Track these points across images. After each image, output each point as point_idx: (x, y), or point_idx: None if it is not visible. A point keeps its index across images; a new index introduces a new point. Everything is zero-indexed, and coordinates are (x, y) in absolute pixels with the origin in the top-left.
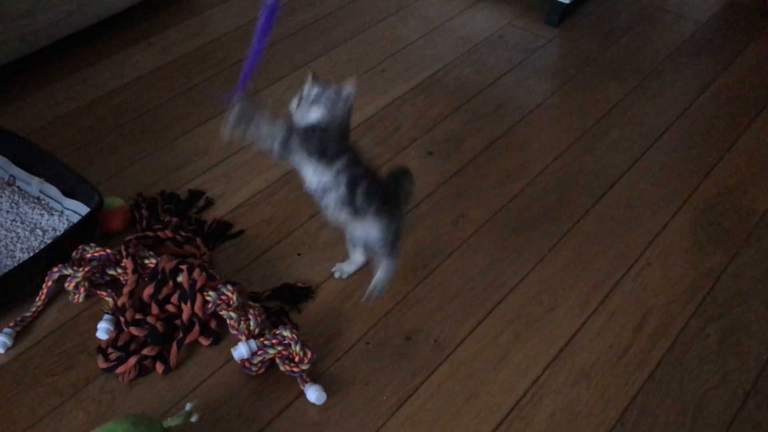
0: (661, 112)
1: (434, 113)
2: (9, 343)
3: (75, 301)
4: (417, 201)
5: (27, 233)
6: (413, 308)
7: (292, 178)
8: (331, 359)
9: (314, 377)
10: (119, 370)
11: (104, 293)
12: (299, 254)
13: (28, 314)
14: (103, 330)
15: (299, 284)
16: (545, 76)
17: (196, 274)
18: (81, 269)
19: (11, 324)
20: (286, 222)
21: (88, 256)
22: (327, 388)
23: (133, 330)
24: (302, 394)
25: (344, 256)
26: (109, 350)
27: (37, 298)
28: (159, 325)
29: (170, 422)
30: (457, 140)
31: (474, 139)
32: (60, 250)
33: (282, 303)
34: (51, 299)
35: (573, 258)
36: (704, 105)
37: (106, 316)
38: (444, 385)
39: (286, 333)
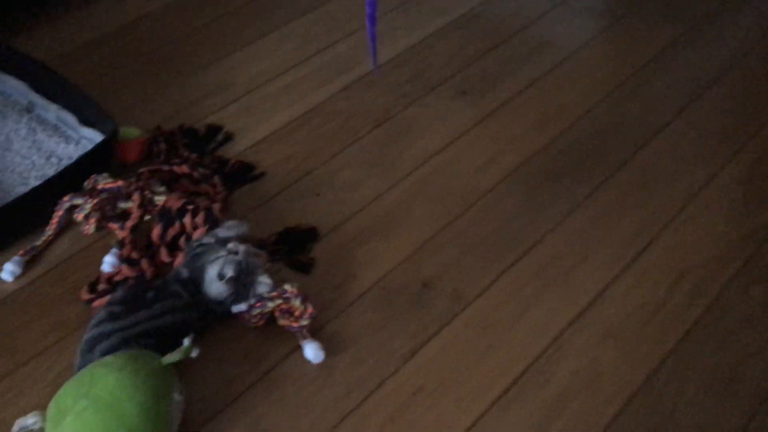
0: (714, 58)
1: (470, 51)
2: (18, 271)
3: (85, 232)
4: (444, 144)
5: (42, 161)
6: (433, 255)
7: (316, 115)
8: (343, 304)
9: (323, 322)
10: (95, 303)
11: (115, 226)
12: (318, 194)
13: (38, 243)
14: (108, 264)
15: (303, 226)
16: (591, 15)
17: (199, 219)
18: (90, 200)
19: (21, 252)
20: (307, 160)
21: (100, 187)
22: (337, 333)
23: (125, 269)
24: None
25: (364, 200)
26: (101, 284)
27: (48, 228)
28: (150, 272)
29: (168, 358)
30: (492, 80)
31: (511, 79)
32: (72, 178)
33: (289, 246)
34: (63, 229)
35: (608, 210)
36: (763, 53)
37: (113, 250)
38: (460, 336)
39: (287, 286)
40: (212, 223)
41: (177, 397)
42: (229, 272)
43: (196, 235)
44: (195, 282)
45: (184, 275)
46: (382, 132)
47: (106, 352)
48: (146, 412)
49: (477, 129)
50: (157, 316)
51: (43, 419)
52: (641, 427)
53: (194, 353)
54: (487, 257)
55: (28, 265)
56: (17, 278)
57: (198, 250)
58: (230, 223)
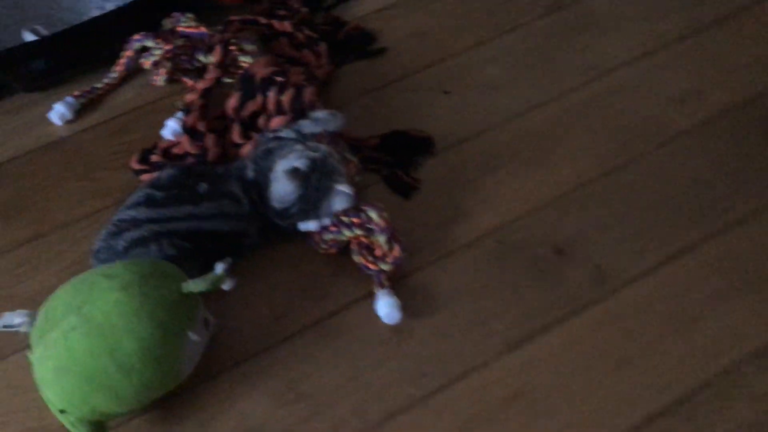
0: None
1: None
2: (69, 115)
3: (154, 83)
4: (634, 56)
5: None
6: (580, 211)
7: None
8: (442, 250)
9: (410, 270)
10: (143, 177)
11: (189, 82)
12: (447, 91)
13: (99, 85)
14: (169, 129)
15: (417, 132)
16: None
17: (285, 99)
18: (164, 45)
19: (76, 93)
20: (444, 42)
21: (180, 29)
22: (425, 289)
23: (185, 141)
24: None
25: (505, 111)
26: (155, 154)
27: (113, 68)
28: (213, 152)
29: (191, 286)
30: None
31: None
32: (151, 11)
33: (393, 156)
34: (130, 75)
35: None
36: None
37: (178, 114)
38: (592, 334)
39: (373, 215)
40: (299, 110)
41: (193, 336)
42: (300, 165)
43: (274, 123)
44: (259, 187)
45: (249, 175)
46: (552, 23)
47: (132, 243)
48: (146, 350)
49: (684, 44)
50: (203, 217)
51: (31, 324)
52: None
53: (226, 285)
54: (659, 227)
55: (82, 111)
56: (67, 122)
57: (271, 144)
58: (321, 114)
